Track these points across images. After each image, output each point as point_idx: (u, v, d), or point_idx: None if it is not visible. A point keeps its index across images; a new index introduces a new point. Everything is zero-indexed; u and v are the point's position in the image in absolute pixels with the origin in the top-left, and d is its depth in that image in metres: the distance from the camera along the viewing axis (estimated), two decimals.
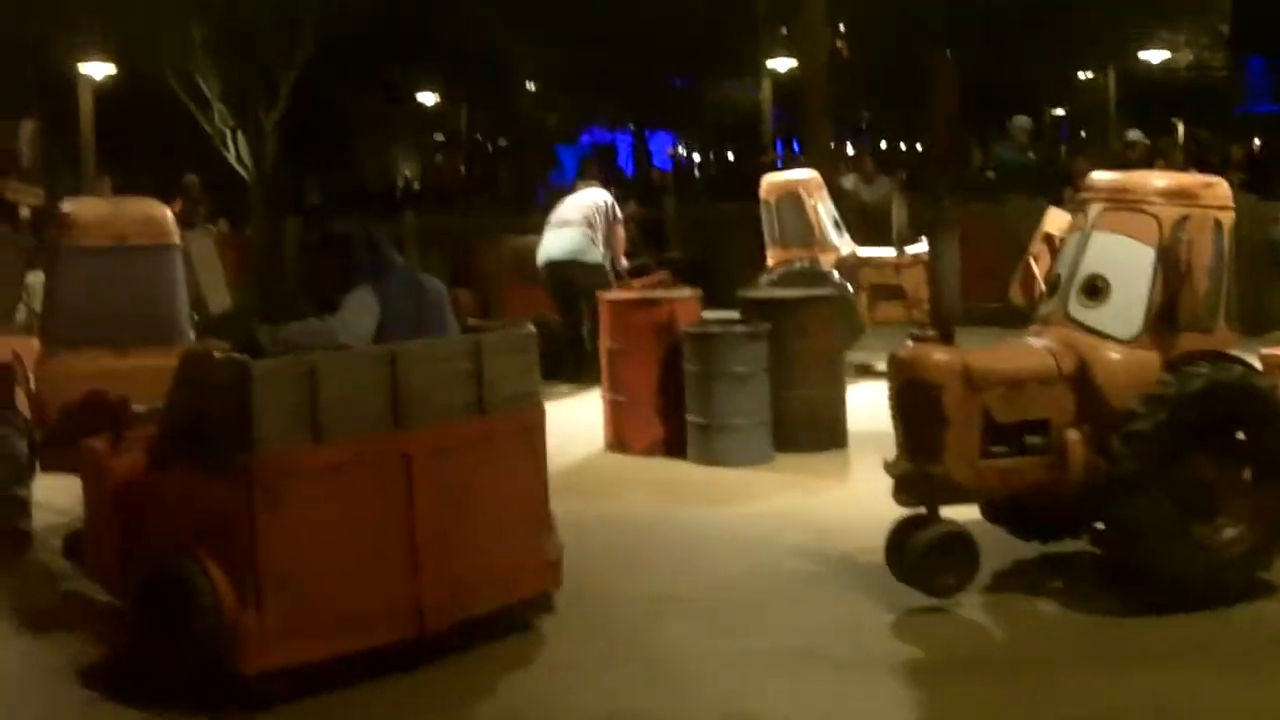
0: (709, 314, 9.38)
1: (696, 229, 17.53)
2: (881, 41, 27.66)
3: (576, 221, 11.52)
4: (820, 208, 12.04)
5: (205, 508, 4.95)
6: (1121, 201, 6.01)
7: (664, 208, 17.98)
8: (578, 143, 36.28)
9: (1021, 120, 16.03)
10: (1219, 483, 5.80)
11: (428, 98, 34.29)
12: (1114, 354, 5.86)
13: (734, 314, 9.09)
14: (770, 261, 11.96)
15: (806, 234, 11.90)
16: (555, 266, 11.44)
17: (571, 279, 11.35)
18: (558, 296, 11.57)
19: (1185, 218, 5.81)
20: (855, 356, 11.32)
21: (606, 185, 12.37)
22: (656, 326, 8.98)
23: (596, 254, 11.43)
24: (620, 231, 11.80)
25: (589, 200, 11.72)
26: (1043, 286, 6.43)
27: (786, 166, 15.86)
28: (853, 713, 4.96)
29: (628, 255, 12.08)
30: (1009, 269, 7.05)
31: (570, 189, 12.34)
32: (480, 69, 28.74)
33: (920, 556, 5.80)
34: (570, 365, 11.49)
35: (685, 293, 9.50)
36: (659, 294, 9.78)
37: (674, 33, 25.34)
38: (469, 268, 13.91)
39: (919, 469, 5.83)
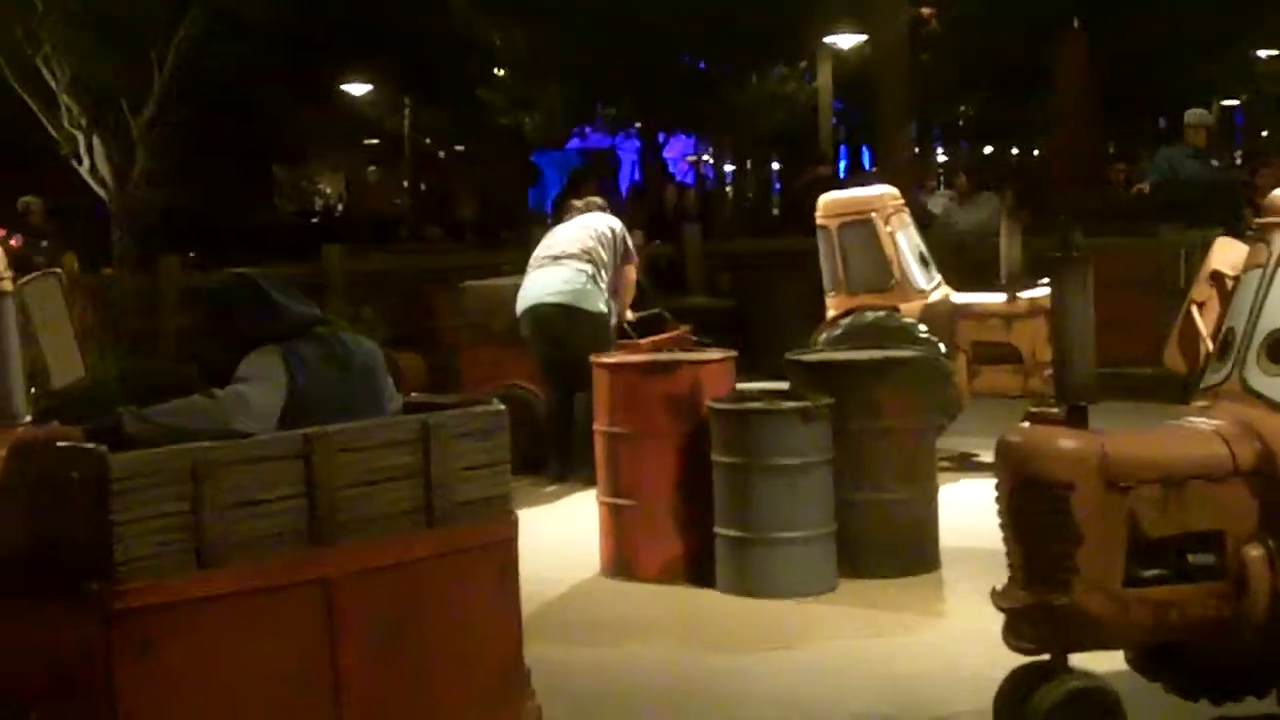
0: (747, 385, 9.40)
1: (729, 267, 17.65)
2: (987, 9, 27.80)
3: (574, 255, 11.53)
4: (900, 237, 12.05)
5: (49, 655, 4.87)
6: None
7: (683, 239, 18.09)
8: (564, 150, 36.41)
9: (1199, 114, 16.00)
10: None
11: (358, 89, 34.47)
12: None
13: (781, 384, 9.13)
14: (832, 311, 11.97)
15: (881, 273, 11.91)
16: (542, 315, 11.41)
17: (564, 334, 11.33)
18: (543, 358, 11.59)
19: None
20: (950, 443, 11.38)
21: (618, 210, 12.41)
22: (674, 402, 9.03)
23: (599, 300, 11.43)
24: (631, 273, 11.86)
25: (591, 227, 11.75)
26: (1210, 345, 6.42)
27: (853, 182, 15.97)
28: None
29: (634, 305, 12.17)
30: (1163, 321, 7.02)
31: (557, 214, 12.36)
32: (431, 50, 28.90)
33: None
34: (556, 456, 11.60)
35: (714, 355, 9.52)
36: (677, 356, 9.80)
37: (696, 3, 25.45)
38: (416, 323, 13.99)
39: (1040, 601, 5.78)
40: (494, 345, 12.15)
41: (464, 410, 5.66)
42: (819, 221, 12.26)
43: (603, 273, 11.50)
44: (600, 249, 11.55)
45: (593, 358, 9.66)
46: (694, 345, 11.31)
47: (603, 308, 11.41)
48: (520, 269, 11.90)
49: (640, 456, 9.09)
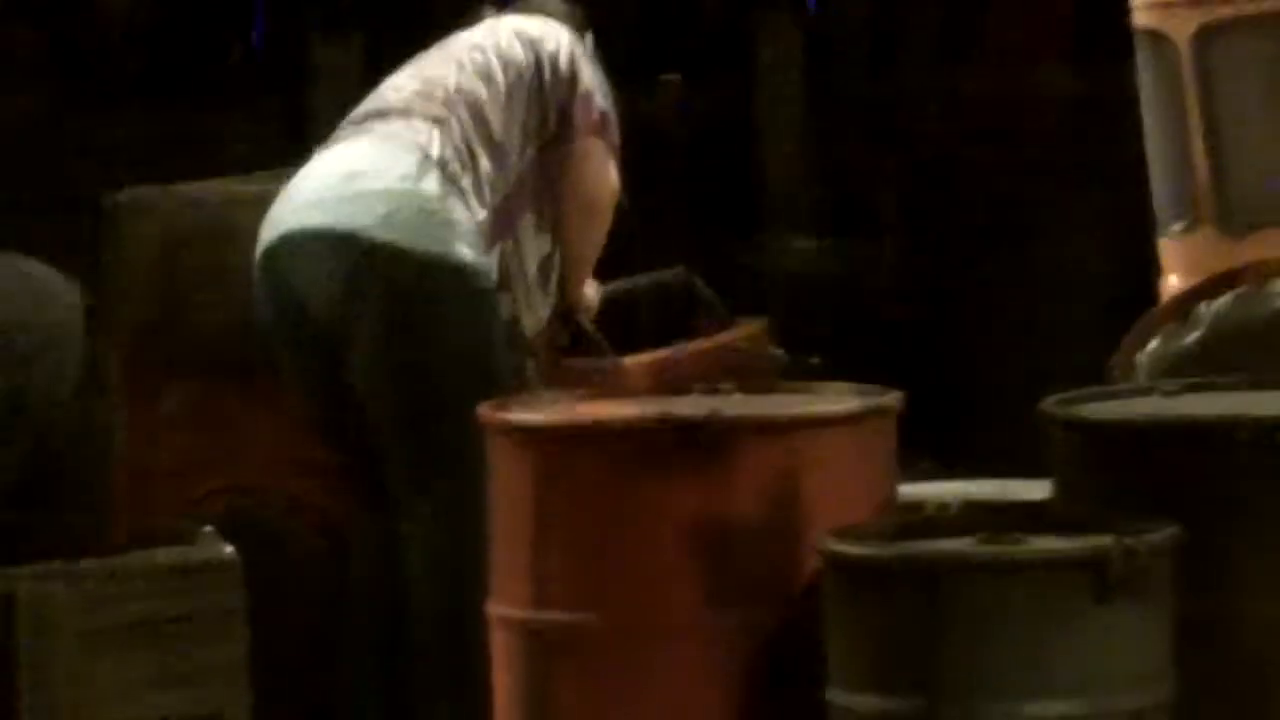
0: (924, 487, 5.57)
1: (883, 155, 11.00)
2: None
3: (412, 113, 6.22)
4: None
5: None
6: None
7: (755, 73, 11.69)
8: None
9: None
10: None
11: None
12: None
13: (1026, 483, 5.43)
14: (1174, 277, 7.28)
15: None
16: (304, 263, 6.16)
17: (365, 322, 6.14)
18: (309, 388, 6.31)
19: None
20: None
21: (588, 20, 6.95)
22: (721, 535, 5.15)
23: (464, 232, 6.17)
24: (600, 168, 6.45)
25: (478, 45, 6.39)
26: None
27: None
28: None
29: (611, 258, 6.93)
30: None
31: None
32: None
33: None
34: (365, 683, 6.76)
35: (831, 402, 5.29)
36: (725, 408, 5.38)
37: None
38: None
39: None
40: (192, 372, 6.62)
41: (117, 558, 4.16)
42: (1141, 22, 7.22)
43: (486, 160, 6.25)
44: (482, 98, 6.24)
45: (484, 410, 5.01)
46: (778, 372, 6.58)
47: (468, 255, 6.07)
48: (286, 154, 6.79)
49: (626, 691, 4.81)
